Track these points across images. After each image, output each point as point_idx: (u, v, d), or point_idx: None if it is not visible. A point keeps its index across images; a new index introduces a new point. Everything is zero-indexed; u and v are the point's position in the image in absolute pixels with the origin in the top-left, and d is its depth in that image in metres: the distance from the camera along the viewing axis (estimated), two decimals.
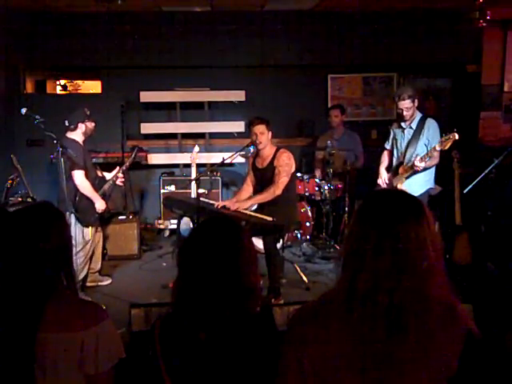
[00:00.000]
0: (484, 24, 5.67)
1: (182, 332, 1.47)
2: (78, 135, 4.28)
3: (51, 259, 1.60)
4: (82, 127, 4.28)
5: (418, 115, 4.41)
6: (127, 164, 4.67)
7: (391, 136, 4.70)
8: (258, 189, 4.46)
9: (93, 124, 4.33)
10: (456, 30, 6.49)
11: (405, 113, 4.35)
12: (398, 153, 4.58)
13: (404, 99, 4.31)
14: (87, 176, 4.24)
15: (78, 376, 1.54)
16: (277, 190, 4.17)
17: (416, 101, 4.36)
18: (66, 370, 1.52)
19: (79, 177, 4.14)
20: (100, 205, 4.31)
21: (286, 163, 4.23)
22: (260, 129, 4.26)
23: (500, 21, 6.14)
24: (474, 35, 6.37)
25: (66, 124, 4.26)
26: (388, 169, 4.70)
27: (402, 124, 4.49)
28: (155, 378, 1.45)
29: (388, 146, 4.76)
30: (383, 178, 4.64)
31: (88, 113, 4.27)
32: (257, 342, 1.46)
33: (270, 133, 4.32)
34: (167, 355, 1.46)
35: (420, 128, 4.36)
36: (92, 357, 1.53)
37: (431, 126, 4.35)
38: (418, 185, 4.34)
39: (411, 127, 4.42)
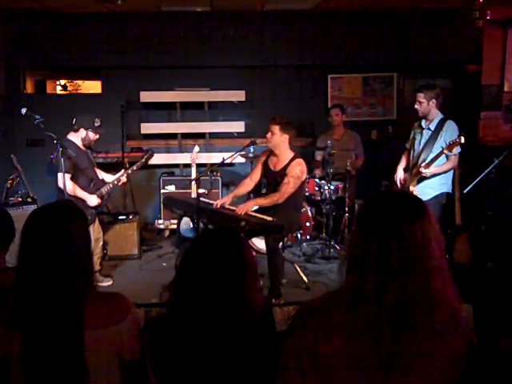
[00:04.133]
0: (484, 24, 5.66)
1: (172, 335, 1.47)
2: (77, 138, 4.33)
3: (79, 257, 1.60)
4: (82, 133, 4.33)
5: (439, 117, 4.29)
6: (134, 168, 4.66)
7: (411, 136, 4.59)
8: (266, 189, 4.46)
9: (96, 136, 4.38)
10: (456, 30, 6.49)
11: (416, 106, 4.27)
12: (414, 153, 4.47)
13: (418, 91, 4.26)
14: (74, 178, 4.24)
15: (116, 365, 1.60)
16: (280, 198, 4.15)
17: (433, 101, 4.23)
18: (107, 361, 1.57)
19: (60, 179, 4.12)
20: (91, 201, 4.32)
21: (298, 176, 4.18)
22: (273, 128, 4.23)
23: (500, 21, 6.13)
24: (474, 35, 6.36)
25: (73, 122, 4.33)
26: (406, 169, 4.59)
27: (423, 124, 4.38)
28: (144, 379, 1.45)
29: (408, 145, 4.65)
30: (399, 178, 4.55)
31: (97, 124, 4.32)
32: (256, 343, 1.46)
33: (287, 136, 4.22)
34: (155, 358, 1.46)
35: (438, 130, 4.24)
36: (129, 345, 1.60)
37: (449, 127, 4.23)
38: (431, 187, 4.25)
39: (429, 128, 4.30)
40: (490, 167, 4.72)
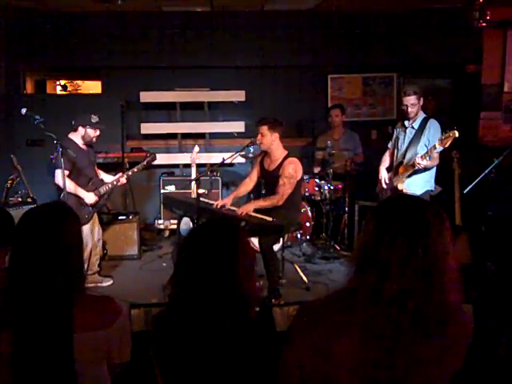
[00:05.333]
0: (484, 24, 5.67)
1: (175, 333, 1.47)
2: (76, 137, 4.37)
3: (68, 258, 1.59)
4: (81, 131, 4.35)
5: (421, 115, 4.38)
6: (135, 170, 4.68)
7: (394, 136, 4.69)
8: (264, 189, 4.48)
9: (95, 132, 4.38)
10: (456, 30, 6.49)
11: (409, 109, 4.32)
12: (398, 152, 4.56)
13: (410, 95, 4.30)
14: (72, 176, 4.26)
15: (105, 368, 1.61)
16: (280, 200, 4.17)
17: (421, 99, 4.33)
18: (96, 364, 1.57)
19: (57, 176, 4.16)
20: (89, 198, 4.35)
21: (292, 175, 4.19)
22: (261, 130, 4.27)
23: (500, 21, 6.13)
24: (474, 35, 6.36)
25: (72, 123, 4.37)
26: (389, 168, 4.69)
27: (406, 123, 4.47)
28: (149, 378, 1.45)
29: (390, 145, 4.75)
30: (383, 178, 4.62)
31: (94, 120, 4.33)
32: (255, 343, 1.45)
33: (277, 134, 4.27)
34: (160, 355, 1.46)
35: (422, 128, 4.33)
36: (118, 348, 1.61)
37: (432, 126, 4.32)
38: (416, 185, 4.33)
39: (413, 127, 4.39)
40: (490, 167, 4.73)
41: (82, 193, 4.32)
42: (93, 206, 4.40)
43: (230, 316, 1.45)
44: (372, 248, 1.29)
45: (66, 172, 4.16)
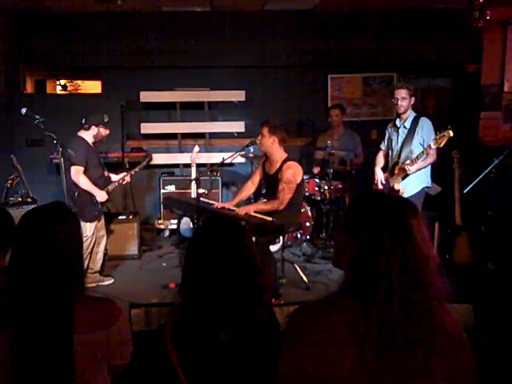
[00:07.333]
0: (484, 24, 5.67)
1: (199, 334, 1.46)
2: (88, 135, 4.42)
3: (67, 259, 1.59)
4: (94, 130, 4.41)
5: (412, 114, 4.40)
6: (137, 169, 4.79)
7: (386, 136, 4.70)
8: (265, 191, 4.49)
9: (107, 131, 4.46)
10: (456, 30, 6.49)
11: (399, 102, 4.32)
12: (393, 153, 4.56)
13: (401, 88, 4.33)
14: (86, 173, 4.32)
15: (105, 369, 1.62)
16: (281, 205, 4.18)
17: (413, 98, 4.35)
18: (96, 365, 1.58)
19: (74, 172, 4.22)
20: (100, 197, 4.41)
21: (290, 180, 4.18)
22: (262, 130, 4.28)
23: (500, 21, 6.14)
24: (474, 35, 6.37)
25: (82, 122, 4.40)
26: (384, 169, 4.69)
27: (397, 123, 4.48)
28: (167, 380, 1.44)
29: (383, 146, 4.75)
30: (379, 179, 4.61)
31: (106, 120, 4.41)
32: (269, 343, 1.46)
33: (275, 138, 4.24)
34: (183, 357, 1.44)
35: (414, 127, 4.34)
36: (118, 350, 1.62)
37: (425, 124, 4.33)
38: (413, 184, 4.34)
39: (405, 126, 4.40)
40: (490, 167, 4.73)
41: (95, 191, 4.37)
42: (102, 203, 4.47)
43: (251, 307, 1.47)
44: (369, 250, 1.27)
45: (82, 168, 4.25)
